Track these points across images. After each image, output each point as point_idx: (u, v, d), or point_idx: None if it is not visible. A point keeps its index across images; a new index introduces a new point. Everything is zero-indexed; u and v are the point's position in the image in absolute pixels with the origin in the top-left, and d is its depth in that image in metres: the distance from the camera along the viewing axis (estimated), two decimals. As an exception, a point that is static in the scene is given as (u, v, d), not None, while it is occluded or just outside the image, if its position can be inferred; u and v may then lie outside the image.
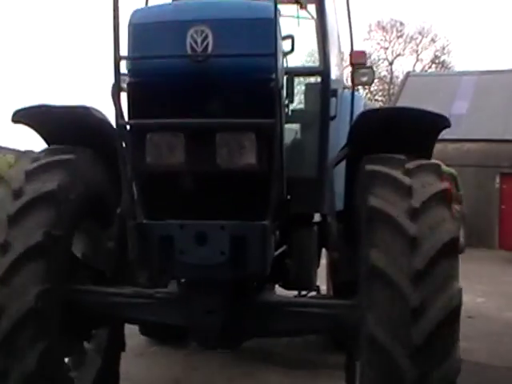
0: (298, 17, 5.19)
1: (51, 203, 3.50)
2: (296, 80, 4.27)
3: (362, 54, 4.99)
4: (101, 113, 3.93)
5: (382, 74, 37.44)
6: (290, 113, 4.31)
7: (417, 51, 38.49)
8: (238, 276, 3.30)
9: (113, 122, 3.34)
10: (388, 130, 3.66)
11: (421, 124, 3.71)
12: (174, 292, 3.78)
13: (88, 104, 3.89)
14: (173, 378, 5.27)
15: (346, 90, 5.29)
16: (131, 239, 3.30)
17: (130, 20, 3.28)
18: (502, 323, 8.02)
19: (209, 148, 3.18)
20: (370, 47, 36.61)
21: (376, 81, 34.52)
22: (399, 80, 32.11)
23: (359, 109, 4.83)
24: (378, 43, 38.05)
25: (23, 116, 3.89)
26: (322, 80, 4.42)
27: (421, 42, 38.12)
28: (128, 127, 3.27)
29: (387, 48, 38.24)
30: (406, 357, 2.95)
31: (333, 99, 4.41)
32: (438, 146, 4.18)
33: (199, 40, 3.12)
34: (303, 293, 4.94)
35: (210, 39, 3.12)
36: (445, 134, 3.86)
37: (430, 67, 38.30)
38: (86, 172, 3.83)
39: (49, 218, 3.48)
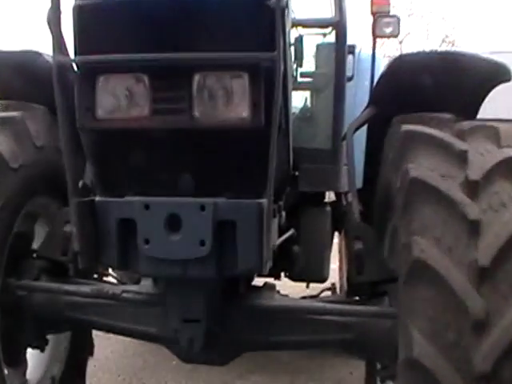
0: None
1: None
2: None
3: (385, 0, 4.21)
4: None
5: (392, 52, 37.03)
6: (298, 77, 3.83)
7: (427, 30, 38.01)
8: (224, 274, 2.44)
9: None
10: (427, 81, 2.85)
11: (474, 75, 2.87)
12: (145, 292, 2.97)
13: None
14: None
15: (364, 52, 4.72)
16: (77, 223, 2.44)
17: None
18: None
19: (184, 95, 2.28)
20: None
21: (385, 59, 34.04)
22: (409, 59, 31.67)
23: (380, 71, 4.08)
24: (388, 21, 37.57)
25: None
26: (337, 34, 3.64)
27: (431, 20, 37.62)
28: (75, 67, 2.38)
29: (396, 26, 37.75)
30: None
31: (350, 57, 3.84)
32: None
33: None
34: (313, 286, 4.15)
35: None
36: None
37: (439, 46, 37.81)
38: (36, 135, 3.15)
39: None
